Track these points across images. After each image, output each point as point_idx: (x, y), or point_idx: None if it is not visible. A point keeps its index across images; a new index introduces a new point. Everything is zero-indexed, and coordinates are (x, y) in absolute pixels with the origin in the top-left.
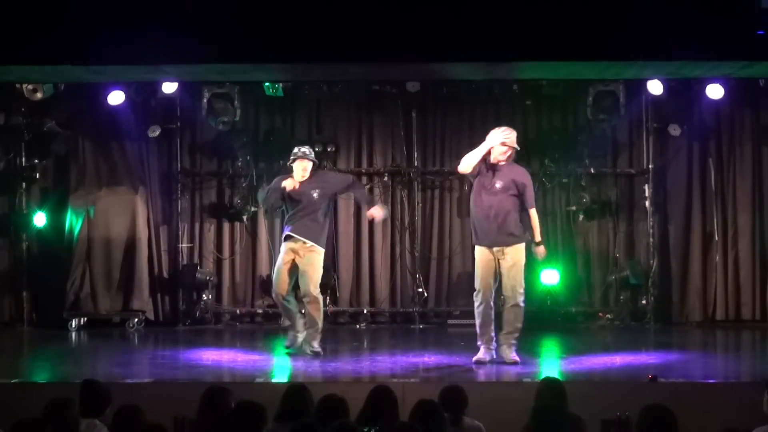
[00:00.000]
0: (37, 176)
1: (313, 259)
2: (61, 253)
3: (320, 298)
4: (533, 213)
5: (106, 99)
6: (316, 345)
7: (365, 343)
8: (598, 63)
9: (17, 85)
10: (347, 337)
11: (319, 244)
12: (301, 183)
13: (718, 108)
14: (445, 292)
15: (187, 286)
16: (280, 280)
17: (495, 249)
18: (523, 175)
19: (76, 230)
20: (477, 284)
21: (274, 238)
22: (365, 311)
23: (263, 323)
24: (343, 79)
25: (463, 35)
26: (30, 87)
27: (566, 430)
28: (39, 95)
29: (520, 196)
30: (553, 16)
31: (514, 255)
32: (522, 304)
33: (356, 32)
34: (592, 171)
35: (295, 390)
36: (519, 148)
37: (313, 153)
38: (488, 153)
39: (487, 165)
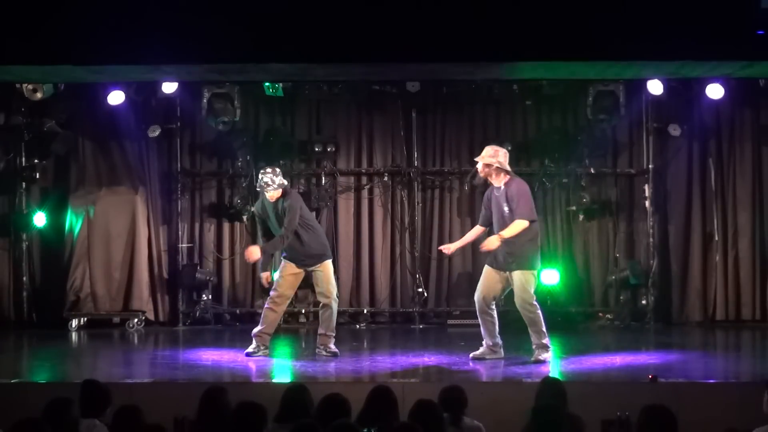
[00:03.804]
0: (37, 176)
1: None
2: (61, 253)
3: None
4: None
5: (106, 99)
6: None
7: (365, 343)
8: (598, 63)
9: (17, 85)
10: (347, 337)
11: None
12: None
13: (718, 108)
14: (445, 292)
15: (187, 286)
16: None
17: None
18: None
19: (76, 230)
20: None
21: None
22: (365, 311)
23: None
24: (343, 79)
25: (463, 35)
26: (30, 87)
27: (566, 430)
28: (39, 95)
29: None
30: (553, 16)
31: None
32: None
33: (356, 32)
34: (592, 171)
35: (295, 390)
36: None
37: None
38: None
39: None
